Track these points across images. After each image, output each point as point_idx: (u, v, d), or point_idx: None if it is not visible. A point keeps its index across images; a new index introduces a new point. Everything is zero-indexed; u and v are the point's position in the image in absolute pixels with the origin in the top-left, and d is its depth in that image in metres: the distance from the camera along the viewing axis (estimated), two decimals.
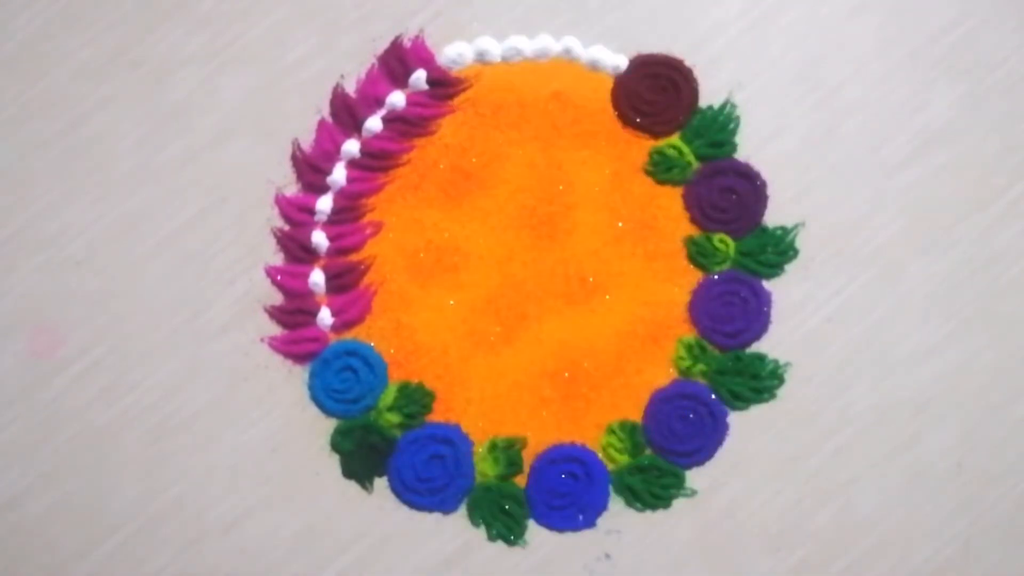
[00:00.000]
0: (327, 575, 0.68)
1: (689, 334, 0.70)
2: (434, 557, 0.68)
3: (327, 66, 0.72)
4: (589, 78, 0.73)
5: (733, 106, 0.71)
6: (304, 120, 0.72)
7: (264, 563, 0.69)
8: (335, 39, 0.73)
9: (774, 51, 0.72)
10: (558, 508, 0.69)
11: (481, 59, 0.73)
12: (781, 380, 0.69)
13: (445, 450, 0.69)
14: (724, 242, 0.70)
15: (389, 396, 0.70)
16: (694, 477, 0.69)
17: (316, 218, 0.71)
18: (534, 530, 0.69)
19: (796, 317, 0.70)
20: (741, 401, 0.69)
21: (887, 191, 0.70)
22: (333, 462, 0.69)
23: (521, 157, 0.72)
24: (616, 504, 0.69)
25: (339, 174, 0.72)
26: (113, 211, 0.72)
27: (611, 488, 0.69)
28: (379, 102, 0.72)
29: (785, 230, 0.70)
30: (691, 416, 0.69)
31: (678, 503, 0.68)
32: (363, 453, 0.69)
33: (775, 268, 0.70)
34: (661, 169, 0.71)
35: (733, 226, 0.71)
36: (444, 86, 0.72)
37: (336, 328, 0.71)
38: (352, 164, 0.72)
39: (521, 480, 0.69)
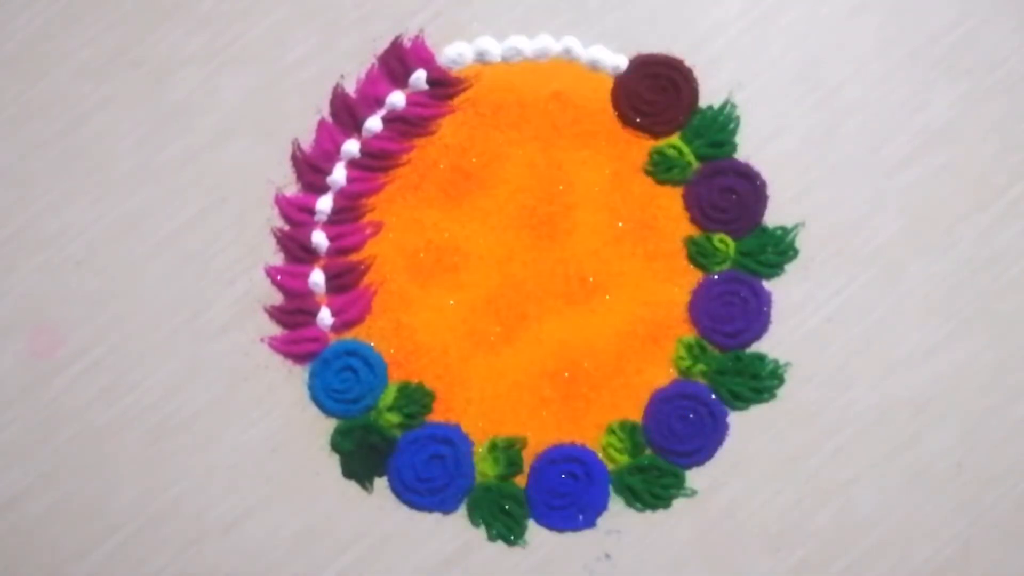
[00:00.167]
0: (327, 575, 0.68)
1: (689, 334, 0.70)
2: (434, 557, 0.68)
3: (327, 66, 0.72)
4: (589, 78, 0.73)
5: (733, 106, 0.71)
6: (304, 120, 0.72)
7: (264, 563, 0.69)
8: (335, 39, 0.73)
9: (774, 51, 0.72)
10: (558, 508, 0.69)
11: (481, 59, 0.73)
12: (781, 380, 0.69)
13: (445, 450, 0.69)
14: (724, 242, 0.70)
15: (389, 396, 0.70)
16: (694, 477, 0.69)
17: (316, 218, 0.71)
18: (534, 530, 0.69)
19: (796, 317, 0.70)
20: (741, 401, 0.69)
21: (887, 191, 0.70)
22: (333, 462, 0.69)
23: (521, 157, 0.72)
24: (616, 504, 0.69)
25: (339, 174, 0.72)
26: (113, 211, 0.72)
27: (611, 488, 0.69)
28: (379, 102, 0.72)
29: (785, 230, 0.70)
30: (691, 416, 0.69)
31: (678, 503, 0.68)
32: (363, 453, 0.69)
33: (775, 268, 0.70)
34: (661, 169, 0.71)
35: (733, 226, 0.71)
36: (444, 86, 0.72)
37: (336, 328, 0.71)
38: (352, 164, 0.72)
39: (521, 480, 0.69)
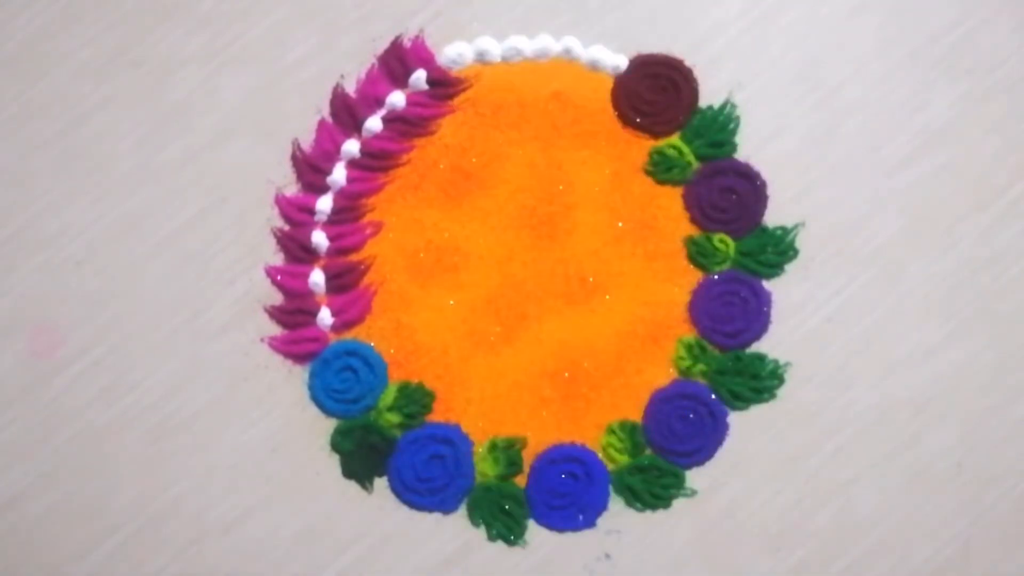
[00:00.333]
0: (327, 575, 0.68)
1: (689, 334, 0.70)
2: (434, 557, 0.68)
3: (327, 66, 0.72)
4: (589, 78, 0.73)
5: (733, 106, 0.71)
6: (304, 120, 0.72)
7: (264, 563, 0.69)
8: (335, 39, 0.73)
9: (774, 51, 0.72)
10: (558, 508, 0.69)
11: (481, 59, 0.73)
12: (781, 380, 0.69)
13: (445, 450, 0.69)
14: (724, 242, 0.70)
15: (389, 396, 0.70)
16: (694, 477, 0.69)
17: (316, 218, 0.71)
18: (534, 530, 0.69)
19: (796, 317, 0.70)
20: (741, 401, 0.69)
21: (887, 191, 0.70)
22: (333, 462, 0.69)
23: (521, 157, 0.72)
24: (616, 504, 0.69)
25: (339, 174, 0.72)
26: (113, 211, 0.72)
27: (611, 488, 0.69)
28: (379, 102, 0.72)
29: (785, 230, 0.70)
30: (691, 416, 0.69)
31: (678, 503, 0.68)
32: (363, 453, 0.69)
33: (775, 268, 0.70)
34: (661, 169, 0.71)
35: (733, 226, 0.71)
36: (444, 86, 0.72)
37: (336, 328, 0.71)
38: (352, 164, 0.72)
39: (521, 480, 0.69)
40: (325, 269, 0.71)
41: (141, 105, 0.72)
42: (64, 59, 0.72)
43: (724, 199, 0.71)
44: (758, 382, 0.69)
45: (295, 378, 0.70)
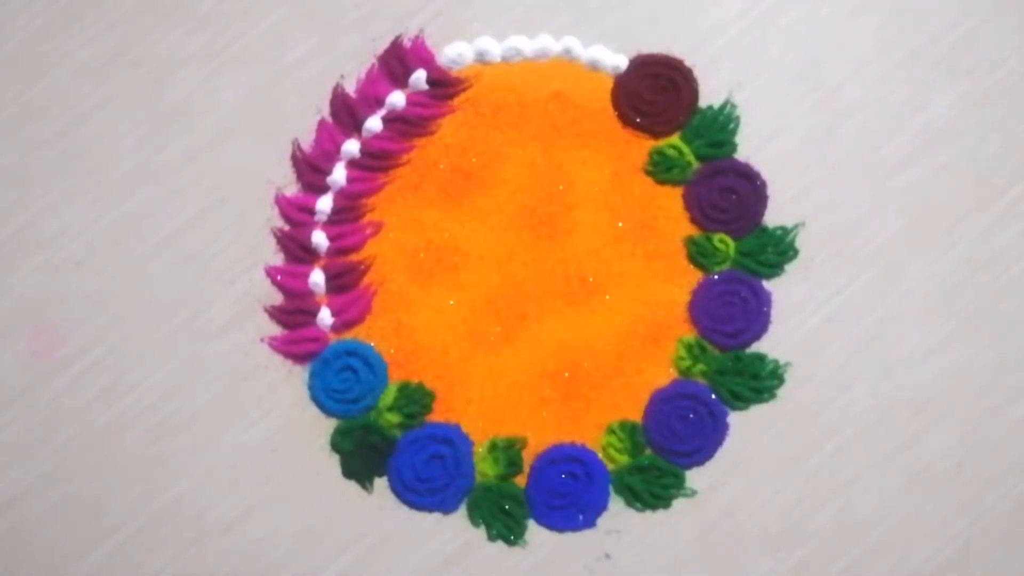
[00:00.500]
0: (327, 575, 0.68)
1: (689, 334, 0.70)
2: (434, 557, 0.68)
3: (327, 66, 0.72)
4: (589, 78, 0.73)
5: (733, 106, 0.71)
6: (304, 120, 0.72)
7: (264, 563, 0.69)
8: (335, 39, 0.73)
9: (774, 51, 0.72)
10: (558, 508, 0.69)
11: (481, 59, 0.73)
12: (781, 380, 0.69)
13: (445, 450, 0.69)
14: (724, 242, 0.70)
15: (389, 396, 0.70)
16: (694, 477, 0.69)
17: (316, 218, 0.71)
18: (534, 530, 0.69)
19: (796, 317, 0.70)
20: (741, 401, 0.69)
21: (887, 191, 0.70)
22: (333, 462, 0.69)
23: (521, 157, 0.72)
24: (616, 504, 0.69)
25: (339, 174, 0.72)
26: (113, 211, 0.72)
27: (611, 488, 0.69)
28: (379, 102, 0.72)
29: (785, 230, 0.70)
30: (691, 416, 0.69)
31: (678, 503, 0.68)
32: (363, 453, 0.69)
33: (775, 268, 0.70)
34: (661, 169, 0.71)
35: (733, 226, 0.71)
36: (444, 86, 0.72)
37: (336, 328, 0.71)
38: (352, 164, 0.72)
39: (521, 480, 0.69)
40: (325, 269, 0.71)
41: (141, 105, 0.72)
42: (64, 59, 0.72)
43: (724, 199, 0.71)
44: (758, 382, 0.69)
45: (295, 378, 0.70)
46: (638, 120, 0.72)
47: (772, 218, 0.71)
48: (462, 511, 0.69)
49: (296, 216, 0.71)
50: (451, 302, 0.71)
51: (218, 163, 0.72)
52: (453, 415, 0.70)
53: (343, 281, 0.71)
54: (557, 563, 0.68)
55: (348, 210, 0.71)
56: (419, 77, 0.72)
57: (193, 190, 0.72)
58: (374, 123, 0.72)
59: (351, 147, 0.72)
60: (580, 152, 0.72)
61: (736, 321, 0.70)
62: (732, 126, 0.71)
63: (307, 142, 0.72)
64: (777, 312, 0.70)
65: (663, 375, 0.70)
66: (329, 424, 0.70)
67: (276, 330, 0.71)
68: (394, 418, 0.69)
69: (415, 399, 0.70)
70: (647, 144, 0.72)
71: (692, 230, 0.71)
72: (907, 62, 0.71)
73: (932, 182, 0.70)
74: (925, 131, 0.71)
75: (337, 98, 0.72)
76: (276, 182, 0.72)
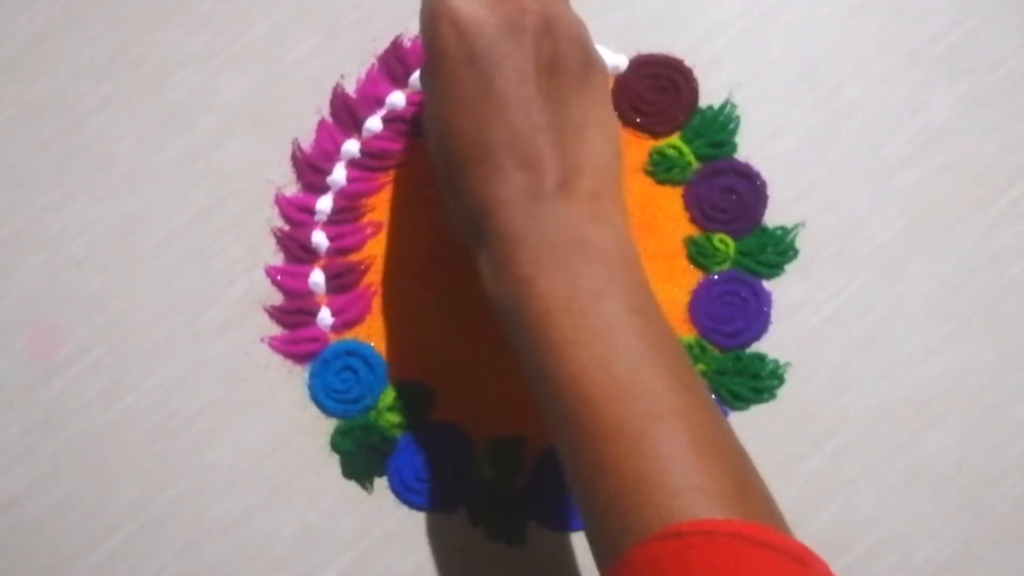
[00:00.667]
0: (327, 575, 0.68)
1: (689, 334, 0.70)
2: (434, 557, 0.68)
3: (327, 66, 0.72)
4: None
5: (733, 106, 0.71)
6: (304, 120, 0.72)
7: (264, 563, 0.69)
8: (335, 39, 0.73)
9: (774, 51, 0.72)
10: (558, 508, 0.68)
11: None
12: (781, 380, 0.69)
13: (444, 449, 0.69)
14: (724, 242, 0.70)
15: (389, 396, 0.70)
16: None
17: (316, 218, 0.71)
18: (534, 530, 0.69)
19: (796, 317, 0.70)
20: (741, 401, 0.69)
21: (887, 191, 0.70)
22: (333, 462, 0.69)
23: None
24: None
25: (339, 174, 0.72)
26: (113, 211, 0.71)
27: None
28: (379, 102, 0.72)
29: (785, 230, 0.70)
30: None
31: None
32: (363, 453, 0.69)
33: (775, 268, 0.70)
34: (661, 169, 0.71)
35: (733, 226, 0.71)
36: None
37: (336, 328, 0.71)
38: (352, 164, 0.72)
39: (521, 480, 0.69)
40: (325, 269, 0.71)
41: (141, 105, 0.72)
42: (64, 59, 0.72)
43: (724, 199, 0.71)
44: (758, 382, 0.69)
45: (295, 378, 0.70)
46: (638, 120, 0.72)
47: (772, 218, 0.71)
48: (462, 511, 0.69)
49: (296, 216, 0.71)
50: (451, 302, 0.71)
51: (218, 163, 0.72)
52: (453, 415, 0.70)
53: (343, 281, 0.71)
54: (557, 563, 0.68)
55: (348, 210, 0.71)
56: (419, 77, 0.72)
57: (193, 190, 0.72)
58: (374, 123, 0.72)
59: (351, 147, 0.72)
60: None
61: (736, 321, 0.70)
62: (732, 126, 0.71)
63: (307, 142, 0.72)
64: (777, 312, 0.70)
65: None
66: (329, 424, 0.70)
67: (276, 330, 0.71)
68: (394, 418, 0.69)
69: (415, 399, 0.69)
70: (647, 144, 0.72)
71: (692, 230, 0.71)
72: (907, 62, 0.71)
73: (932, 182, 0.70)
74: (925, 131, 0.71)
75: (337, 98, 0.72)
76: (276, 182, 0.72)
